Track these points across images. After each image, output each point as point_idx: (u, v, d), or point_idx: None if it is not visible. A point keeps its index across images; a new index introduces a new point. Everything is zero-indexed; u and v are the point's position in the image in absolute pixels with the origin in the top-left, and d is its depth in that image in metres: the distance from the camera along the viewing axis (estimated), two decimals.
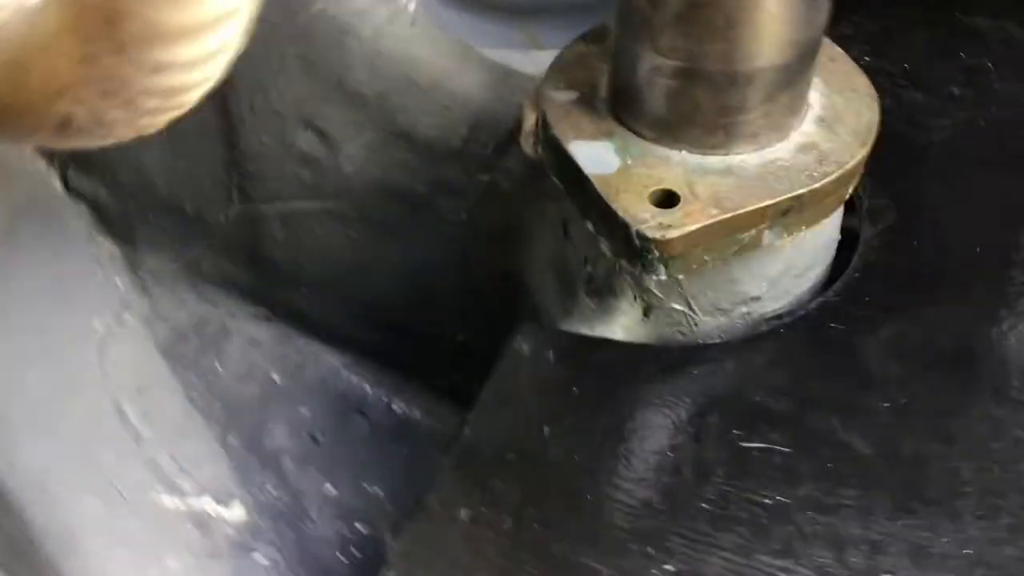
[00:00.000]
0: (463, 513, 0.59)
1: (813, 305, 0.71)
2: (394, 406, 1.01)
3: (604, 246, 0.66)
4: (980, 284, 0.71)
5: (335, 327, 0.99)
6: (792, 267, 0.71)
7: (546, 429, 0.63)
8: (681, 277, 0.69)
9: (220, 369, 0.98)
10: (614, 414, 0.65)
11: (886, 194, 0.77)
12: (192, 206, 0.92)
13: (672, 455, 0.62)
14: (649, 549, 0.58)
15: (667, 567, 0.57)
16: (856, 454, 0.62)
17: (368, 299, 0.92)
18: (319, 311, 0.97)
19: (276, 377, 0.99)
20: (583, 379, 0.66)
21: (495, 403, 0.65)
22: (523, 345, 0.68)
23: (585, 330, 0.71)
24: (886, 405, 0.65)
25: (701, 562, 0.57)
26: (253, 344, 1.01)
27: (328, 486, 0.94)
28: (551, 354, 0.67)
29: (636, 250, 0.63)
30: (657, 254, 0.62)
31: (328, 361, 1.01)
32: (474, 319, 0.88)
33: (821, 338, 0.69)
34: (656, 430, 0.64)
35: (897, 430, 0.64)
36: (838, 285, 0.72)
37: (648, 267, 0.63)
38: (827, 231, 0.72)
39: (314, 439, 0.96)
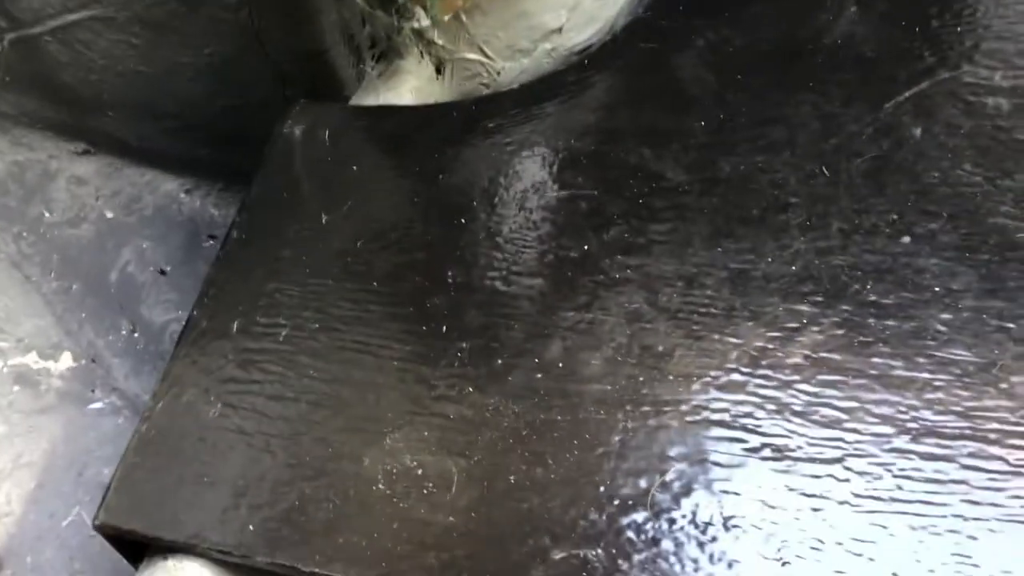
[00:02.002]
0: (235, 325, 0.53)
1: (620, 26, 0.63)
2: None
3: None
4: None
5: (162, 150, 0.90)
6: None
7: (324, 217, 0.56)
8: (464, 20, 0.61)
9: (48, 215, 0.91)
10: (399, 189, 0.58)
11: None
12: None
13: (465, 223, 0.56)
14: (443, 328, 0.52)
15: (462, 344, 0.51)
16: (669, 184, 0.56)
17: (177, 110, 0.83)
18: (135, 134, 0.88)
19: (109, 214, 0.91)
20: (363, 154, 0.58)
21: (265, 197, 0.58)
22: (294, 128, 0.60)
23: (372, 100, 0.63)
24: (702, 124, 0.57)
25: (497, 328, 0.51)
26: (79, 183, 0.92)
27: (183, 316, 0.88)
28: (326, 133, 0.59)
29: None
30: None
31: (165, 188, 0.94)
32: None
33: (630, 62, 0.61)
34: (449, 195, 0.57)
35: (715, 150, 0.56)
36: None
37: (404, 13, 0.55)
38: None
39: (161, 272, 0.90)
